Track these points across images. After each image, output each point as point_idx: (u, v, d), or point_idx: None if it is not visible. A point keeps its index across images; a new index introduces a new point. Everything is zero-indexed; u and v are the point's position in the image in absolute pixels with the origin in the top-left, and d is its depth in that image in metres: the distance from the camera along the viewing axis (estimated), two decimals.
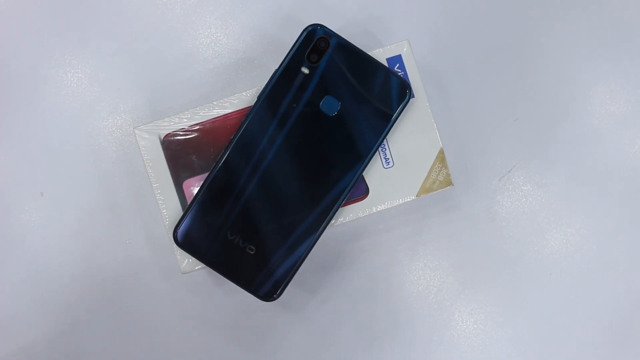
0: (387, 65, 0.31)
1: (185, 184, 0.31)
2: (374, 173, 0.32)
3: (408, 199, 0.32)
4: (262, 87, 0.30)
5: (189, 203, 0.31)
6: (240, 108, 0.31)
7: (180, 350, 0.37)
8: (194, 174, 0.31)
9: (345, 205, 0.31)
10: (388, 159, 0.32)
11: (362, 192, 0.32)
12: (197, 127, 0.31)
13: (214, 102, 0.31)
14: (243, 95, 0.31)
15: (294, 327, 0.37)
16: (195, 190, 0.31)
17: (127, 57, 0.38)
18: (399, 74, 0.31)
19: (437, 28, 0.38)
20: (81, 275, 0.37)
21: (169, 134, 0.31)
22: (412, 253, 0.38)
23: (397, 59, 0.32)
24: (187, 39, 0.38)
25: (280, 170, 0.30)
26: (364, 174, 0.31)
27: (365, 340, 0.38)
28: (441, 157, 0.32)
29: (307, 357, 0.37)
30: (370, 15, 0.38)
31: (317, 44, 0.30)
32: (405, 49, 0.32)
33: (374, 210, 0.32)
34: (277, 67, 0.30)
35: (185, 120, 0.31)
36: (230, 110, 0.31)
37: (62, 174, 0.37)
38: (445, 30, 0.38)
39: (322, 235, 0.30)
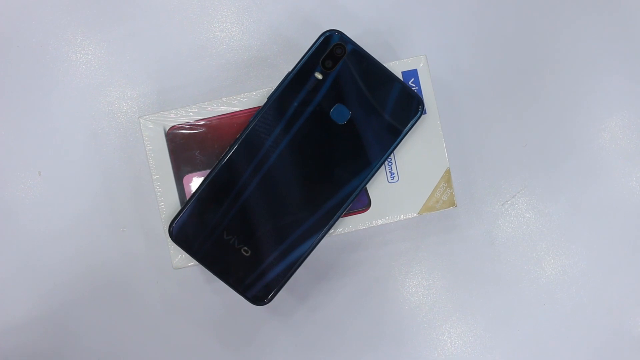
0: (402, 78, 0.31)
1: (186, 178, 0.31)
2: (378, 186, 0.31)
3: (409, 216, 0.31)
4: (273, 88, 0.30)
5: (188, 198, 0.30)
6: (248, 107, 0.31)
7: (165, 344, 0.37)
8: (195, 169, 0.31)
9: (345, 216, 0.31)
10: (393, 173, 0.31)
11: (364, 204, 0.31)
12: (203, 122, 0.31)
13: (223, 99, 0.31)
14: (253, 95, 0.31)
15: (279, 332, 0.37)
16: (196, 186, 0.31)
17: (139, 43, 0.37)
18: (413, 88, 0.31)
19: (456, 46, 0.38)
20: (71, 258, 0.36)
21: (174, 126, 0.31)
22: (407, 269, 0.37)
23: (413, 73, 0.31)
24: (201, 30, 0.37)
25: (283, 175, 0.30)
26: (367, 186, 0.31)
27: (351, 353, 0.37)
28: (447, 177, 0.31)
29: None
30: (390, 26, 0.37)
31: (333, 50, 0.29)
32: (421, 64, 0.31)
33: (374, 223, 0.31)
34: (290, 69, 0.30)
35: (192, 114, 0.31)
36: (238, 109, 0.31)
37: (62, 155, 0.37)
38: (463, 49, 0.38)
39: (319, 244, 0.30)
